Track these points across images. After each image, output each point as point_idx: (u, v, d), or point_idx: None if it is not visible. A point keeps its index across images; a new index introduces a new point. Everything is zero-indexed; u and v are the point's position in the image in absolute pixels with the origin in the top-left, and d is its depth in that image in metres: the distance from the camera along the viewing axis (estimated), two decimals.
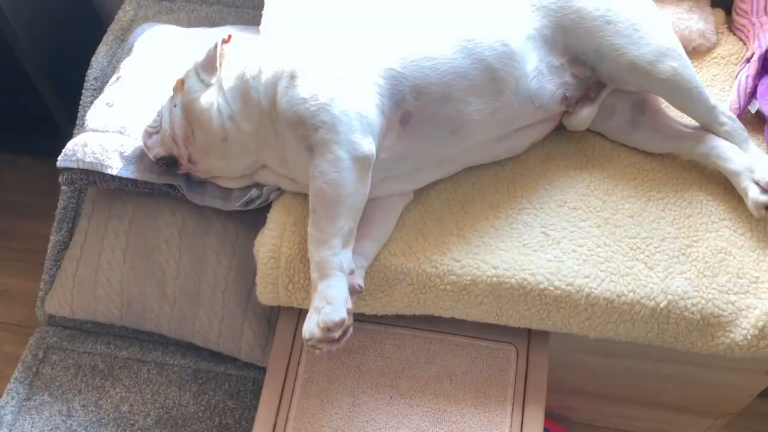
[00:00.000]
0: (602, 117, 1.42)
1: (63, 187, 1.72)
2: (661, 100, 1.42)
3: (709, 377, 1.50)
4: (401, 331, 1.42)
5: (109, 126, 1.51)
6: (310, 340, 1.19)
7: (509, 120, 1.32)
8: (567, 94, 1.36)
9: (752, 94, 1.44)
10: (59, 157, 1.49)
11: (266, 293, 1.36)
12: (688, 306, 1.26)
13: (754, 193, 1.30)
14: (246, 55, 1.35)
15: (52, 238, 1.70)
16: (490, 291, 1.30)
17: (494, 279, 1.30)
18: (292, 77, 1.25)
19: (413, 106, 1.25)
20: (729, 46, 1.59)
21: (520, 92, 1.30)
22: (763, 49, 1.47)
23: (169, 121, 1.38)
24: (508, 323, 1.35)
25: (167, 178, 1.45)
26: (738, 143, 1.36)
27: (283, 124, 1.26)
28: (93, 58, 1.79)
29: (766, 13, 1.54)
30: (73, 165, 1.47)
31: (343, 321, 1.18)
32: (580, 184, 1.40)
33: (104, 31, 1.83)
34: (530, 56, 1.31)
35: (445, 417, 1.36)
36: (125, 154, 1.47)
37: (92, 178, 1.48)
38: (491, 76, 1.27)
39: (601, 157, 1.44)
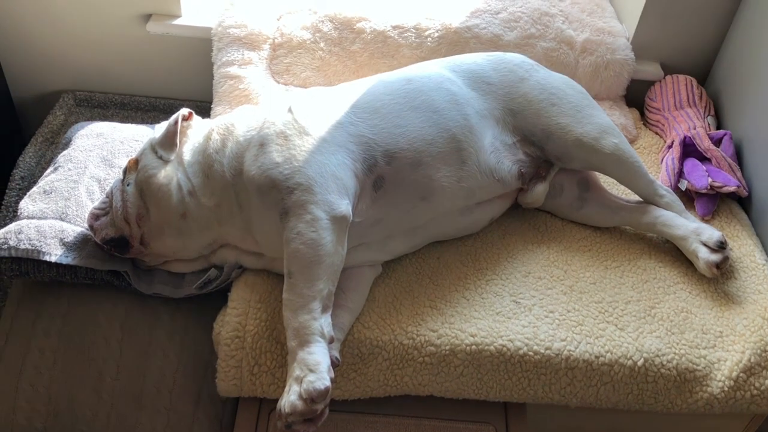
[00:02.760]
0: (552, 195, 1.48)
1: None
2: (602, 179, 1.52)
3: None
4: (373, 419, 1.32)
5: (47, 212, 1.40)
6: (290, 415, 1.08)
7: (473, 190, 1.35)
8: (522, 170, 1.42)
9: (679, 174, 1.57)
10: None
11: (228, 380, 1.24)
12: (664, 363, 1.27)
13: (704, 254, 1.37)
14: (206, 131, 1.33)
15: None
16: (470, 360, 1.26)
17: (473, 347, 1.26)
18: (262, 145, 1.24)
19: (386, 170, 1.26)
20: (648, 138, 1.75)
21: (481, 164, 1.35)
22: (681, 136, 1.62)
23: (121, 200, 1.30)
24: (488, 397, 1.29)
25: (112, 264, 1.34)
26: (678, 213, 1.45)
27: (251, 193, 1.23)
28: (20, 158, 1.70)
29: (676, 108, 1.73)
30: (4, 254, 1.33)
31: (327, 390, 1.08)
32: (540, 256, 1.43)
33: (24, 141, 1.77)
34: (486, 132, 1.38)
35: None
36: (66, 240, 1.35)
37: (25, 267, 1.34)
38: (456, 146, 1.32)
39: (555, 232, 1.48)
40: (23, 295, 1.43)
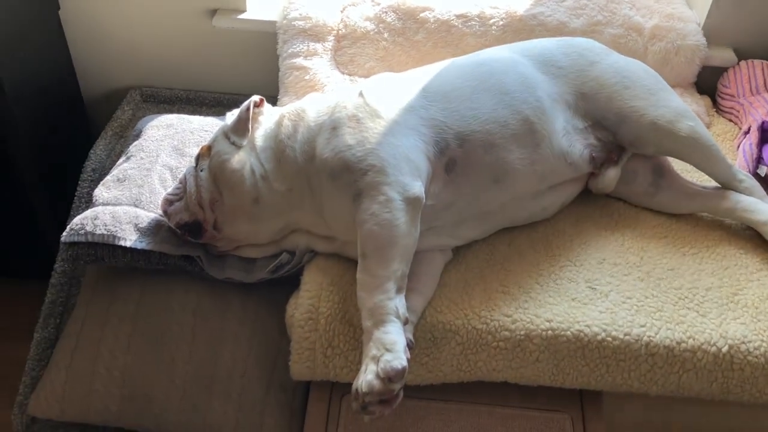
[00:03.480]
0: (625, 181, 1.44)
1: (52, 280, 1.58)
2: (676, 165, 1.47)
3: None
4: (445, 406, 1.30)
5: (122, 199, 1.42)
6: (367, 395, 1.07)
7: (545, 174, 1.33)
8: (593, 154, 1.39)
9: (758, 160, 1.52)
10: (64, 233, 1.38)
11: (301, 362, 1.24)
12: (751, 350, 1.22)
13: None
14: (277, 117, 1.34)
15: (36, 335, 1.52)
16: (546, 346, 1.23)
17: (549, 332, 1.23)
18: (334, 129, 1.24)
19: (457, 153, 1.24)
20: (722, 125, 1.69)
21: (554, 147, 1.33)
22: (759, 121, 1.57)
23: (195, 185, 1.32)
24: (564, 384, 1.26)
25: (186, 249, 1.35)
26: (759, 198, 1.40)
27: (324, 177, 1.23)
28: (91, 151, 1.74)
29: (752, 93, 1.67)
30: (81, 239, 1.36)
31: (404, 370, 1.07)
32: (614, 243, 1.39)
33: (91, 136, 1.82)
34: (558, 116, 1.35)
35: None
36: (140, 225, 1.37)
37: (100, 253, 1.36)
38: (529, 128, 1.30)
39: (629, 219, 1.44)
40: (96, 282, 1.46)
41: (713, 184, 1.45)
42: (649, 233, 1.42)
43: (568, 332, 1.23)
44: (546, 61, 1.40)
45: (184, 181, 1.35)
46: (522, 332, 1.23)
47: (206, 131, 1.58)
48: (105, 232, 1.36)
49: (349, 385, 1.26)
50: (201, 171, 1.33)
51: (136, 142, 1.58)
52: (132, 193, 1.43)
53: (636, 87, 1.40)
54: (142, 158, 1.51)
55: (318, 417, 1.28)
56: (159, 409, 1.36)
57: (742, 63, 1.73)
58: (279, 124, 1.32)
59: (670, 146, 1.40)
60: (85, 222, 1.38)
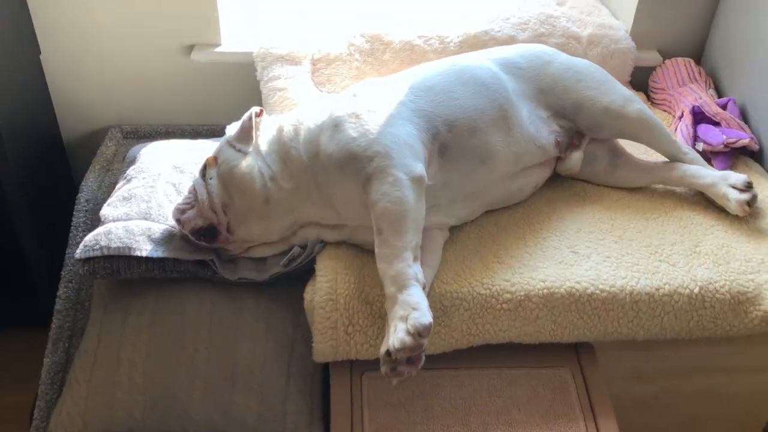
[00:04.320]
0: (587, 164, 1.62)
1: (56, 307, 1.61)
2: (628, 148, 1.67)
3: (736, 387, 1.57)
4: (457, 372, 1.41)
5: (131, 214, 1.49)
6: (400, 350, 1.17)
7: (519, 155, 1.49)
8: (558, 139, 1.56)
9: (695, 138, 1.74)
10: (78, 250, 1.44)
11: (325, 341, 1.33)
12: (717, 288, 1.39)
13: (734, 195, 1.52)
14: (277, 125, 1.46)
15: (46, 360, 1.55)
16: (544, 304, 1.37)
17: (545, 291, 1.37)
18: (336, 126, 1.36)
19: (448, 138, 1.39)
20: (657, 115, 1.91)
21: (524, 133, 1.50)
22: (690, 106, 1.80)
23: (206, 192, 1.41)
24: (561, 339, 1.39)
25: (199, 255, 1.43)
26: (702, 166, 1.60)
27: (331, 171, 1.35)
28: (82, 184, 1.80)
29: (679, 85, 1.91)
30: (97, 254, 1.42)
31: (431, 326, 1.18)
32: (586, 215, 1.56)
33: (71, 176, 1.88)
34: (522, 107, 1.52)
35: None
36: (153, 236, 1.45)
37: (116, 265, 1.42)
38: (503, 115, 1.46)
39: (595, 196, 1.62)
40: (107, 300, 1.51)
41: (663, 159, 1.65)
42: (614, 205, 1.59)
43: (561, 289, 1.37)
44: (507, 64, 1.58)
45: (193, 191, 1.44)
46: (521, 293, 1.37)
47: (200, 150, 1.67)
48: (120, 245, 1.42)
49: (367, 363, 1.37)
50: (210, 179, 1.42)
51: (133, 167, 1.65)
52: (140, 208, 1.51)
53: (587, 79, 1.59)
54: (144, 178, 1.59)
55: (342, 397, 1.37)
56: (182, 410, 1.41)
57: (667, 61, 1.97)
58: (280, 130, 1.44)
59: (622, 128, 1.60)
60: (99, 238, 1.44)
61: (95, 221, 1.73)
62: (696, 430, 1.65)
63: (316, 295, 1.34)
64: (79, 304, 1.63)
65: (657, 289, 1.39)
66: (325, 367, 1.49)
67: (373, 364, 1.39)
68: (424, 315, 1.18)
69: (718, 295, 1.39)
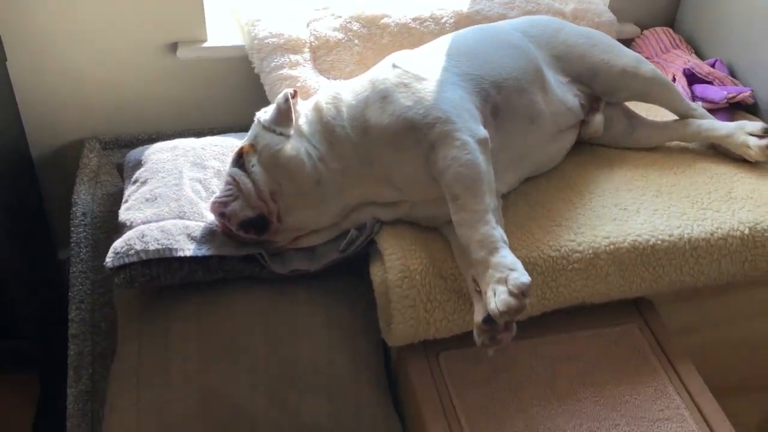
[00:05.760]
0: (606, 128, 1.64)
1: (71, 331, 1.44)
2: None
3: (763, 332, 1.63)
4: (531, 341, 1.37)
5: (163, 214, 1.36)
6: (505, 313, 1.12)
7: (556, 116, 1.48)
8: (581, 102, 1.57)
9: (692, 98, 1.80)
10: (109, 259, 1.29)
11: (405, 321, 1.25)
12: (765, 228, 1.43)
13: (754, 141, 1.57)
14: (312, 105, 1.38)
15: (71, 391, 1.37)
16: (612, 260, 1.35)
17: (611, 247, 1.36)
18: (384, 98, 1.30)
19: (498, 99, 1.36)
20: None
21: (556, 94, 1.49)
22: (681, 69, 1.87)
23: (251, 182, 1.30)
24: (629, 293, 1.39)
25: (247, 250, 1.32)
26: (711, 120, 1.66)
27: (385, 144, 1.28)
28: (74, 197, 1.63)
29: (663, 52, 1.98)
30: (133, 259, 1.27)
31: (530, 284, 1.14)
32: (617, 175, 1.57)
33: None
34: (546, 71, 1.53)
35: (614, 400, 1.29)
36: (193, 235, 1.32)
37: (156, 270, 1.29)
38: (540, 76, 1.46)
39: (618, 158, 1.64)
40: (140, 311, 1.36)
41: (674, 117, 1.69)
42: (640, 164, 1.62)
43: (625, 243, 1.37)
44: (522, 32, 1.58)
45: (233, 183, 1.32)
46: (590, 252, 1.35)
47: (216, 146, 1.55)
48: (159, 247, 1.29)
49: (439, 343, 1.31)
50: (252, 167, 1.32)
51: (141, 170, 1.51)
52: (171, 207, 1.37)
53: (600, 44, 1.62)
54: (163, 177, 1.45)
55: (425, 380, 1.29)
56: (248, 421, 1.29)
57: (646, 32, 2.05)
58: (318, 110, 1.36)
59: (638, 88, 1.63)
60: (132, 242, 1.30)
61: (97, 235, 1.58)
62: (737, 377, 1.69)
63: (389, 275, 1.26)
64: (94, 326, 1.46)
65: (711, 234, 1.41)
66: (386, 358, 1.41)
67: (447, 343, 1.34)
68: (523, 274, 1.14)
69: (766, 234, 1.43)
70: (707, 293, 1.52)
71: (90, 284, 1.50)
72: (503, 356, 1.34)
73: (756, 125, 1.59)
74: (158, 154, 1.53)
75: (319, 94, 1.41)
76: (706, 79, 1.83)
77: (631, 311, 1.45)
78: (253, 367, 1.31)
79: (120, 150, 1.83)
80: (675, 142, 1.69)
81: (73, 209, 1.59)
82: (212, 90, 1.87)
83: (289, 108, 1.35)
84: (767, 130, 1.58)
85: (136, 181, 1.49)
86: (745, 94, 1.75)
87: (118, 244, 1.31)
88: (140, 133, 1.86)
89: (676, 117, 1.68)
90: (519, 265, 1.16)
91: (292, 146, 1.31)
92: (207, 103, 1.88)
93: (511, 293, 1.12)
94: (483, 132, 1.26)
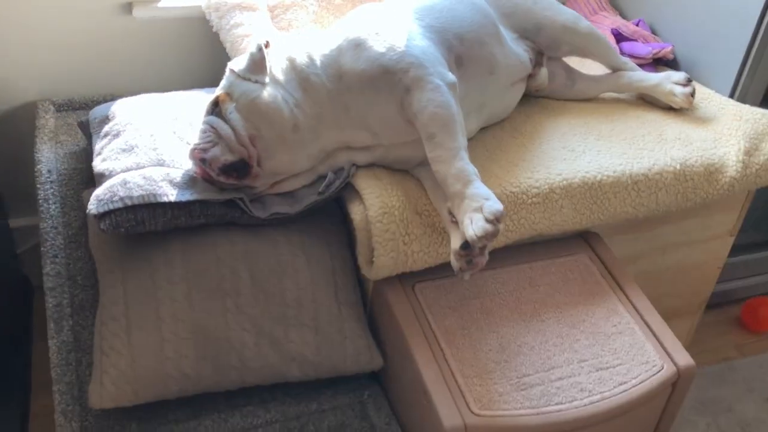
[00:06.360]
0: (549, 82, 1.78)
1: (47, 284, 1.44)
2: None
3: (696, 257, 1.83)
4: (496, 271, 1.49)
5: (143, 162, 1.38)
6: (482, 238, 1.23)
7: (511, 68, 1.60)
8: (530, 56, 1.70)
9: (620, 54, 1.97)
10: (92, 206, 1.31)
11: (387, 254, 1.34)
12: (692, 164, 1.61)
13: (679, 89, 1.75)
14: (285, 55, 1.43)
15: (52, 342, 1.38)
16: (564, 194, 1.49)
17: (564, 182, 1.49)
18: (357, 45, 1.38)
19: (461, 49, 1.47)
20: None
21: (510, 48, 1.61)
22: (609, 29, 2.03)
23: (230, 128, 1.35)
24: (582, 226, 1.53)
25: (228, 194, 1.37)
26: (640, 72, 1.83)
27: (360, 89, 1.36)
28: (37, 155, 1.62)
29: (591, 15, 2.14)
30: (118, 205, 1.30)
31: (503, 211, 1.25)
32: (562, 123, 1.71)
33: None
34: (500, 26, 1.64)
35: (574, 319, 1.43)
36: (175, 181, 1.36)
37: (141, 216, 1.31)
38: (496, 30, 1.57)
39: (560, 108, 1.78)
40: (119, 263, 1.39)
41: (606, 71, 1.85)
42: (580, 113, 1.76)
43: (576, 179, 1.51)
44: None
45: (211, 130, 1.37)
46: (546, 187, 1.48)
47: (184, 98, 1.58)
48: (144, 193, 1.32)
49: (413, 275, 1.41)
50: (230, 114, 1.36)
51: (111, 123, 1.52)
52: (150, 156, 1.40)
53: (540, 2, 1.75)
54: (137, 129, 1.47)
55: (405, 308, 1.38)
56: (237, 359, 1.35)
57: None
58: (291, 60, 1.42)
59: (578, 43, 1.77)
60: (115, 189, 1.32)
61: (64, 191, 1.58)
62: (666, 304, 1.88)
63: (369, 211, 1.35)
64: (70, 279, 1.47)
65: (649, 170, 1.57)
66: (362, 295, 1.50)
67: (421, 275, 1.44)
68: (497, 202, 1.25)
69: (694, 169, 1.61)
70: (644, 227, 1.69)
71: (62, 239, 1.51)
72: (473, 285, 1.45)
73: (680, 75, 1.77)
74: (127, 108, 1.55)
75: (288, 46, 1.46)
76: (632, 37, 2.00)
77: (581, 243, 1.59)
78: (239, 307, 1.36)
79: (74, 112, 1.82)
80: (608, 94, 1.85)
81: (38, 167, 1.58)
82: (168, 50, 1.88)
83: (263, 57, 1.40)
84: (690, 79, 1.77)
85: (106, 135, 1.50)
86: (667, 49, 1.93)
87: (100, 191, 1.33)
88: (95, 95, 1.85)
89: (607, 71, 1.85)
90: (492, 194, 1.27)
91: (269, 93, 1.37)
92: (163, 63, 1.89)
93: (487, 220, 1.23)
94: (452, 77, 1.36)
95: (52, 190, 1.55)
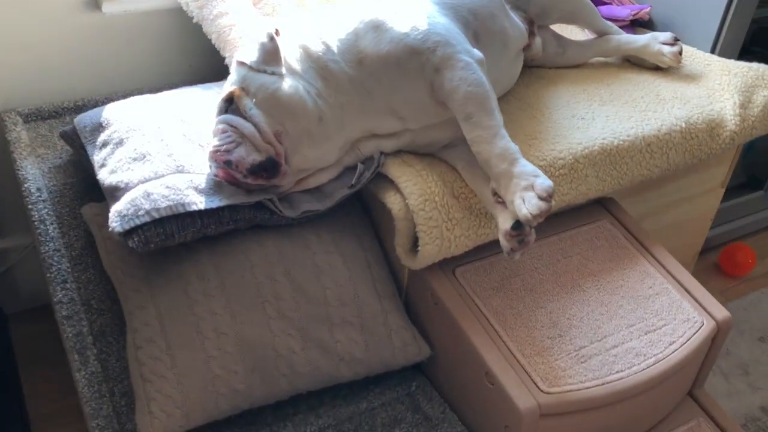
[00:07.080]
0: (542, 50, 1.77)
1: (62, 313, 1.32)
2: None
3: (695, 212, 1.88)
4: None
5: (161, 171, 1.28)
6: (538, 216, 1.21)
7: (516, 39, 1.58)
8: (525, 26, 1.69)
9: None
10: (115, 223, 1.20)
11: (432, 242, 1.30)
12: (696, 122, 1.64)
13: (668, 49, 1.78)
14: (297, 43, 1.35)
15: (80, 375, 1.27)
16: (588, 162, 1.49)
17: (585, 151, 1.49)
18: (377, 27, 1.31)
19: (476, 25, 1.43)
20: None
21: (514, 19, 1.59)
22: None
23: (251, 125, 1.26)
24: (604, 192, 1.54)
25: (257, 196, 1.29)
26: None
27: (385, 72, 1.30)
28: (20, 174, 1.47)
29: None
30: (145, 219, 1.20)
31: (553, 187, 1.23)
32: (562, 91, 1.71)
33: None
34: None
35: (611, 284, 1.44)
36: (200, 188, 1.26)
37: (170, 229, 1.22)
38: (501, 3, 1.54)
39: (556, 76, 1.78)
40: (149, 276, 1.29)
41: (593, 36, 1.86)
42: (576, 79, 1.77)
43: (596, 147, 1.51)
44: None
45: (230, 129, 1.27)
46: (570, 157, 1.47)
47: (183, 97, 1.47)
48: (171, 203, 1.22)
49: (452, 260, 1.38)
50: (250, 110, 1.27)
51: (109, 131, 1.40)
52: (167, 163, 1.30)
53: None
54: (143, 135, 1.36)
55: (451, 293, 1.35)
56: (287, 367, 1.28)
57: None
58: (305, 48, 1.34)
59: (567, 10, 1.77)
60: (139, 202, 1.22)
61: (58, 209, 1.45)
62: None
63: (409, 200, 1.30)
64: (85, 305, 1.36)
65: (659, 131, 1.59)
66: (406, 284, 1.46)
67: (459, 260, 1.41)
68: (546, 179, 1.23)
69: (698, 126, 1.64)
70: (652, 187, 1.72)
71: (68, 262, 1.38)
72: (510, 263, 1.44)
73: (667, 35, 1.80)
74: (123, 113, 1.43)
75: (296, 34, 1.38)
76: (608, 0, 2.02)
77: (600, 209, 1.61)
78: (281, 311, 1.29)
79: (45, 122, 1.67)
80: (595, 59, 1.86)
81: (25, 186, 1.44)
82: (143, 47, 1.75)
83: (276, 46, 1.31)
84: (676, 38, 1.80)
85: (106, 144, 1.38)
86: (645, 10, 1.96)
87: (121, 206, 1.22)
88: (64, 101, 1.70)
89: (592, 37, 1.86)
90: (539, 171, 1.24)
91: (289, 84, 1.29)
92: (137, 62, 1.76)
93: (540, 197, 1.21)
94: (479, 53, 1.32)
95: (46, 210, 1.42)
